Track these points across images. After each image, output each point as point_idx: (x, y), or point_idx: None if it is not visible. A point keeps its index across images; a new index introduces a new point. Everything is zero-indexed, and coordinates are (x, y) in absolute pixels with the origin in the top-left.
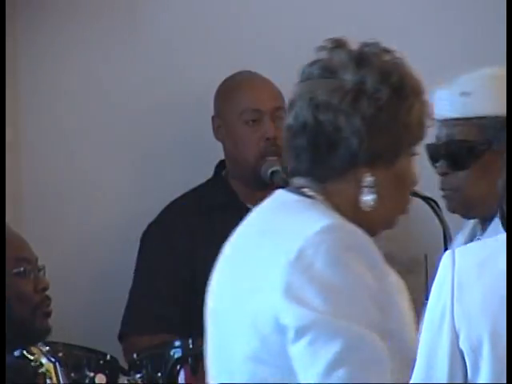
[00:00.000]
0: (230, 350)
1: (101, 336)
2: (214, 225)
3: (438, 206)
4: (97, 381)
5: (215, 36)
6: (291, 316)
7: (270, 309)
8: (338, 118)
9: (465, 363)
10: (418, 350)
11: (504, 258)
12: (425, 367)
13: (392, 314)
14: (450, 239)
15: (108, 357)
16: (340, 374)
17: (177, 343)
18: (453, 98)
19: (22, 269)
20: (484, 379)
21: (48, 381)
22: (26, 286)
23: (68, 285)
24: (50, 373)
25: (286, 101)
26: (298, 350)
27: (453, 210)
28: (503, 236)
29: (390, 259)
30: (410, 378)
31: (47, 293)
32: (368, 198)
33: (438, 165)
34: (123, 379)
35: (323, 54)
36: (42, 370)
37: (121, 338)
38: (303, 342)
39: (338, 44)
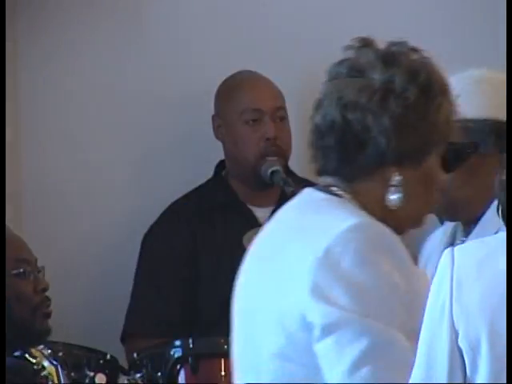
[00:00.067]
0: (257, 347)
1: (101, 336)
2: (214, 225)
3: None
4: (97, 380)
5: (216, 36)
6: (318, 314)
7: (297, 306)
8: (366, 117)
9: (464, 361)
10: (418, 348)
11: (503, 256)
12: (424, 365)
13: (418, 315)
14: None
15: (108, 356)
16: (364, 372)
17: (177, 343)
18: None
19: (21, 270)
20: (482, 378)
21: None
22: (25, 287)
23: (68, 284)
24: (52, 376)
25: (286, 101)
26: (323, 348)
27: (438, 213)
28: (502, 234)
29: None
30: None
31: (47, 293)
32: (395, 197)
33: None
34: (123, 379)
35: (350, 53)
36: (45, 373)
37: (123, 339)
38: (329, 340)
39: (366, 43)
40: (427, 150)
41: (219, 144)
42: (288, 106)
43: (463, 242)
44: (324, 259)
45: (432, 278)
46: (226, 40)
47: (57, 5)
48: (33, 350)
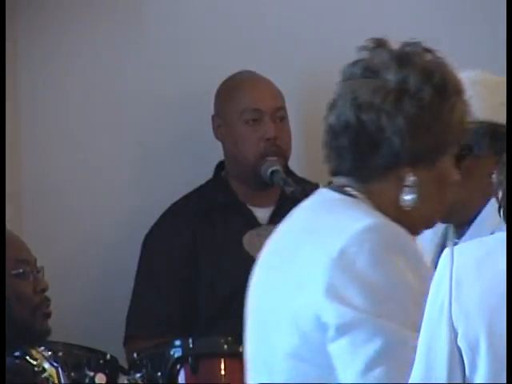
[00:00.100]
0: (271, 347)
1: (101, 336)
2: (214, 225)
3: None
4: (97, 380)
5: (216, 36)
6: (332, 314)
7: (312, 306)
8: (381, 117)
9: (463, 361)
10: (418, 348)
11: (502, 256)
12: (424, 365)
13: None
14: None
15: (108, 356)
16: (377, 372)
17: (177, 342)
18: None
19: (21, 270)
20: (481, 378)
21: None
22: (25, 288)
23: (68, 284)
24: (53, 378)
25: (286, 101)
26: (337, 348)
27: None
28: (502, 234)
29: None
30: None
31: (46, 294)
32: (409, 198)
33: None
34: (123, 379)
35: (364, 54)
36: (45, 375)
37: (125, 341)
38: (343, 340)
39: (379, 44)
40: (441, 150)
41: (219, 144)
42: (288, 106)
43: (456, 243)
44: (339, 259)
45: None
46: (226, 40)
47: (57, 5)
48: (33, 352)
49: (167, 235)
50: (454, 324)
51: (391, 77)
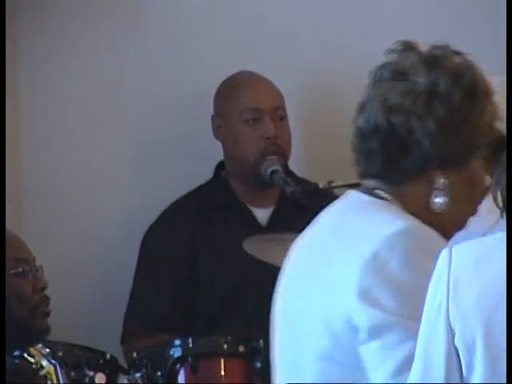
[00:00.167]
0: (301, 349)
1: (101, 335)
2: (214, 225)
3: None
4: (97, 380)
5: (216, 36)
6: (364, 317)
7: (344, 309)
8: (411, 120)
9: (461, 362)
10: (416, 348)
11: (500, 256)
12: (422, 365)
13: None
14: None
15: (108, 356)
16: (406, 375)
17: (177, 342)
18: None
19: (20, 269)
20: (478, 378)
21: (49, 383)
22: (24, 287)
23: (68, 284)
24: (51, 375)
25: (286, 101)
26: (369, 351)
27: None
28: (501, 234)
29: None
30: None
31: (46, 292)
32: (440, 200)
33: None
34: (123, 378)
35: (392, 57)
36: (43, 372)
37: (123, 338)
38: (374, 343)
39: (408, 46)
40: (471, 152)
41: (219, 144)
42: (288, 106)
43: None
44: (371, 262)
45: None
46: (226, 40)
47: (57, 5)
48: (31, 349)
49: (167, 234)
50: (452, 325)
51: (421, 79)
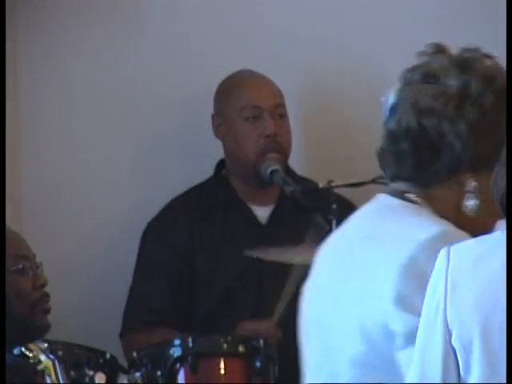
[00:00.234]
0: (335, 354)
1: (100, 335)
2: (213, 223)
3: None
4: (96, 380)
5: (215, 36)
6: (401, 323)
7: (380, 315)
8: (442, 123)
9: (458, 362)
10: (414, 348)
11: (498, 256)
12: (419, 365)
13: None
14: None
15: (108, 355)
16: None
17: (176, 342)
18: None
19: (20, 266)
20: (475, 378)
21: (47, 379)
22: (24, 284)
23: (68, 284)
24: (49, 370)
25: (285, 100)
26: (406, 357)
27: None
28: (499, 233)
29: None
30: None
31: (45, 289)
32: (471, 203)
33: None
34: (123, 378)
35: (423, 59)
36: (41, 367)
37: (122, 334)
38: (411, 349)
39: (439, 49)
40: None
41: (219, 143)
42: (287, 105)
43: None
44: (408, 267)
45: None
46: (226, 40)
47: (56, 4)
48: (29, 344)
49: (166, 230)
50: (449, 325)
51: (452, 82)
